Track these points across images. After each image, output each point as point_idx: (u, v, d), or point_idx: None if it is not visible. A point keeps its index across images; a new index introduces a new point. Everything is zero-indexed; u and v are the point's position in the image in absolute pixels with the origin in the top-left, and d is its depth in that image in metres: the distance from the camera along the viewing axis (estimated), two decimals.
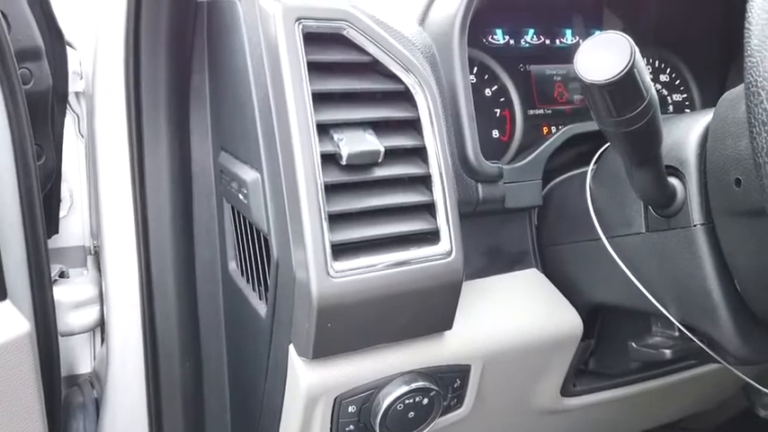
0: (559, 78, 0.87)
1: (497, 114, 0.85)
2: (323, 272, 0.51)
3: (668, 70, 0.97)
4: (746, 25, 0.40)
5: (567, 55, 0.89)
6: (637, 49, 0.45)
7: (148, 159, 0.69)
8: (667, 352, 0.61)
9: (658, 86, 0.97)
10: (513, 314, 0.67)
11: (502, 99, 0.85)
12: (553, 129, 0.84)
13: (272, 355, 0.61)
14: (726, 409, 1.13)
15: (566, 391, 0.76)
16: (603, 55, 0.45)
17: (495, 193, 0.67)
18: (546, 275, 0.74)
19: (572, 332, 0.69)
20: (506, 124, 0.86)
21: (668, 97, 0.97)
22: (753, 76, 0.40)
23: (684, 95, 0.98)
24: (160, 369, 0.74)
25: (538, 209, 0.76)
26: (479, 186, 0.66)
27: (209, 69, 0.71)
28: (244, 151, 0.61)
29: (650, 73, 0.98)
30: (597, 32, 0.97)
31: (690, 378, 0.83)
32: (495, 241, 0.74)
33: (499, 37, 0.87)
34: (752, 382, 0.67)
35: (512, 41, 0.87)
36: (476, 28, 0.85)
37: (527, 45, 0.88)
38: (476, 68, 0.83)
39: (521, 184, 0.70)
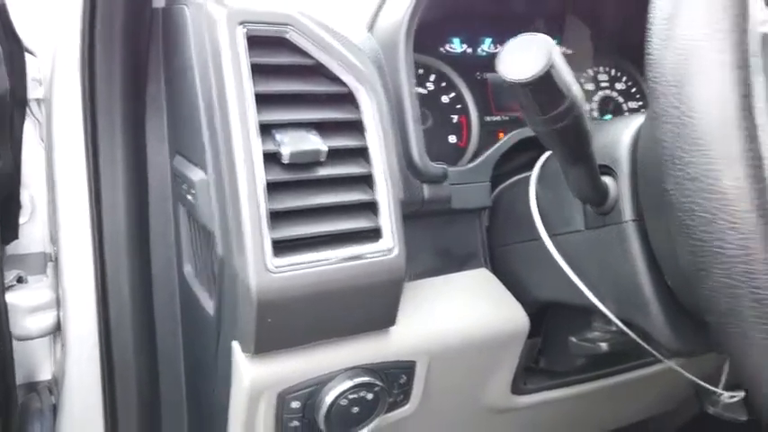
0: None
1: (454, 121, 0.87)
2: (262, 267, 0.53)
3: (624, 78, 1.00)
4: (649, 26, 0.42)
5: None
6: (556, 50, 0.47)
7: (103, 165, 0.70)
8: (603, 345, 0.62)
9: (615, 94, 1.00)
10: (459, 312, 0.69)
11: (459, 106, 0.87)
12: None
13: (219, 353, 0.62)
14: (687, 410, 1.15)
15: (516, 389, 0.77)
16: (525, 55, 0.47)
17: (440, 193, 0.68)
18: (496, 275, 0.75)
19: (518, 329, 0.71)
20: (463, 130, 0.88)
21: (624, 104, 1.00)
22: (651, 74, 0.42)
23: (640, 103, 1.01)
24: (115, 372, 0.74)
25: (489, 210, 0.78)
26: (425, 187, 0.67)
27: (165, 75, 0.72)
28: (193, 153, 0.63)
29: (607, 80, 1.01)
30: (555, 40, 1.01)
31: (642, 377, 0.85)
32: (446, 242, 0.75)
33: (456, 46, 0.89)
34: (695, 378, 0.69)
35: (469, 50, 0.90)
36: (434, 37, 0.88)
37: (484, 53, 0.90)
38: (433, 76, 0.86)
39: (468, 186, 0.72)
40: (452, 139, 0.87)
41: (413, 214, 0.67)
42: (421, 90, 0.86)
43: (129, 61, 0.70)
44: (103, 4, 0.66)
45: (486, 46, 0.91)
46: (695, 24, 0.38)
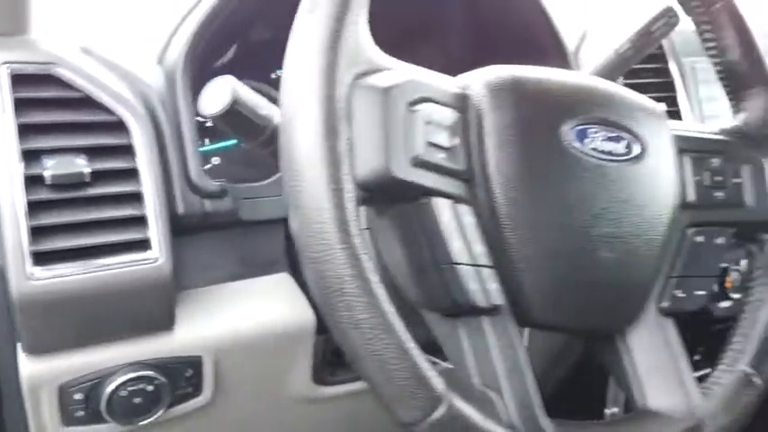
0: None
1: None
2: (22, 276, 0.61)
3: None
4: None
5: None
6: (240, 87, 0.56)
7: None
8: None
9: None
10: (249, 311, 0.77)
11: None
12: None
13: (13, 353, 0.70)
14: None
15: (321, 380, 0.86)
16: (217, 94, 0.56)
17: (223, 207, 0.76)
18: (296, 279, 0.83)
19: (304, 326, 0.79)
20: None
21: None
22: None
23: None
24: None
25: None
26: (206, 202, 0.75)
27: None
28: None
29: None
30: None
31: None
32: (251, 250, 0.83)
33: None
34: None
35: None
36: (263, 65, 0.97)
37: None
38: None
39: (260, 200, 0.80)
40: None
41: (201, 225, 0.76)
42: None
43: None
44: None
45: None
46: (301, 66, 0.47)
